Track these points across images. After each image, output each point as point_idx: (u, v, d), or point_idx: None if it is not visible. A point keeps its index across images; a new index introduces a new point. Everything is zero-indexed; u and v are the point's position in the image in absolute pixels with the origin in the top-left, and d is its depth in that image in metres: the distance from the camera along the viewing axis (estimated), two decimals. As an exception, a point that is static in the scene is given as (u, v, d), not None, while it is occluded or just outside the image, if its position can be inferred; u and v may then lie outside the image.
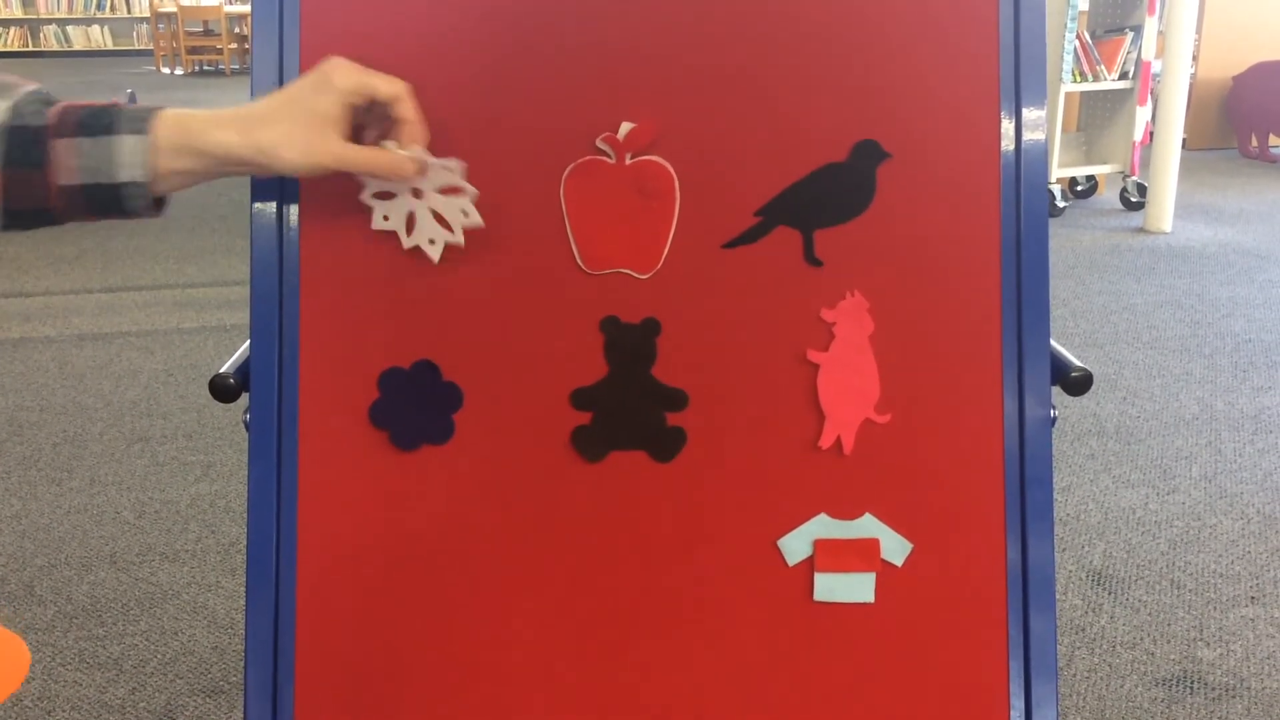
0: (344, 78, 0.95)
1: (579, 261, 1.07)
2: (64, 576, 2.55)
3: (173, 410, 3.48)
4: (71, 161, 0.91)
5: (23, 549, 2.67)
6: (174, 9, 13.08)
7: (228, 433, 3.29)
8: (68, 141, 0.91)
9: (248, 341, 1.10)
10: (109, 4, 14.86)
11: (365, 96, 0.96)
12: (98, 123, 0.92)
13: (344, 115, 0.96)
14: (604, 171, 1.07)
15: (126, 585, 2.51)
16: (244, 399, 1.10)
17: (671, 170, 1.07)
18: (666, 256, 1.08)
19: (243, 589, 1.08)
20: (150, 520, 2.80)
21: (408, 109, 0.98)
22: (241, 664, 1.14)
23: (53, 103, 0.93)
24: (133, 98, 6.37)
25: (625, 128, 1.06)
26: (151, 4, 13.57)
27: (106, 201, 0.93)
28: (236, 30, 13.25)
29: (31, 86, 0.94)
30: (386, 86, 0.97)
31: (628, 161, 1.07)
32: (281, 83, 1.07)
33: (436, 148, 1.03)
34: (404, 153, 0.99)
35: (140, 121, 0.92)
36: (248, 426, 1.09)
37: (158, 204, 0.97)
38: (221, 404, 1.11)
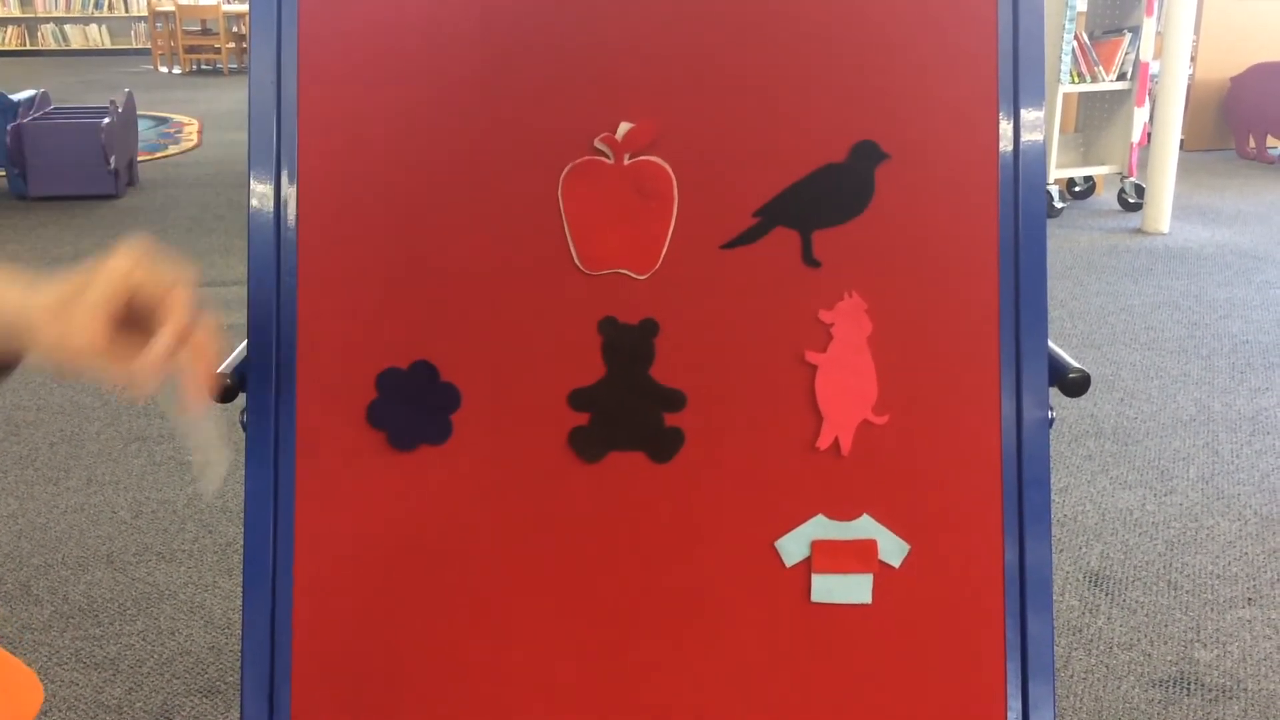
0: (115, 273, 0.84)
1: (577, 262, 1.07)
2: (60, 576, 2.55)
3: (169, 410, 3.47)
4: None
5: (19, 548, 2.67)
6: (172, 8, 13.05)
7: (226, 433, 3.28)
8: None
9: (244, 342, 1.10)
10: (107, 3, 14.85)
11: (132, 291, 0.85)
12: None
13: (111, 310, 0.84)
14: (602, 172, 1.06)
15: (123, 585, 2.51)
16: (241, 399, 1.10)
17: (670, 171, 1.07)
18: (665, 257, 1.08)
19: (240, 589, 1.08)
20: (147, 520, 2.80)
21: (176, 306, 0.86)
22: (238, 664, 1.14)
23: None
24: (130, 98, 6.35)
25: (624, 128, 1.06)
26: (149, 3, 13.56)
27: None
28: (235, 29, 13.23)
29: None
30: (156, 282, 0.86)
31: (626, 162, 1.06)
32: (280, 83, 1.07)
33: (433, 145, 1.03)
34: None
35: None
36: (245, 426, 1.09)
37: None
38: (219, 404, 1.11)
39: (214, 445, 0.92)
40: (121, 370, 0.85)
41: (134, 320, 0.87)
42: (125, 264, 0.85)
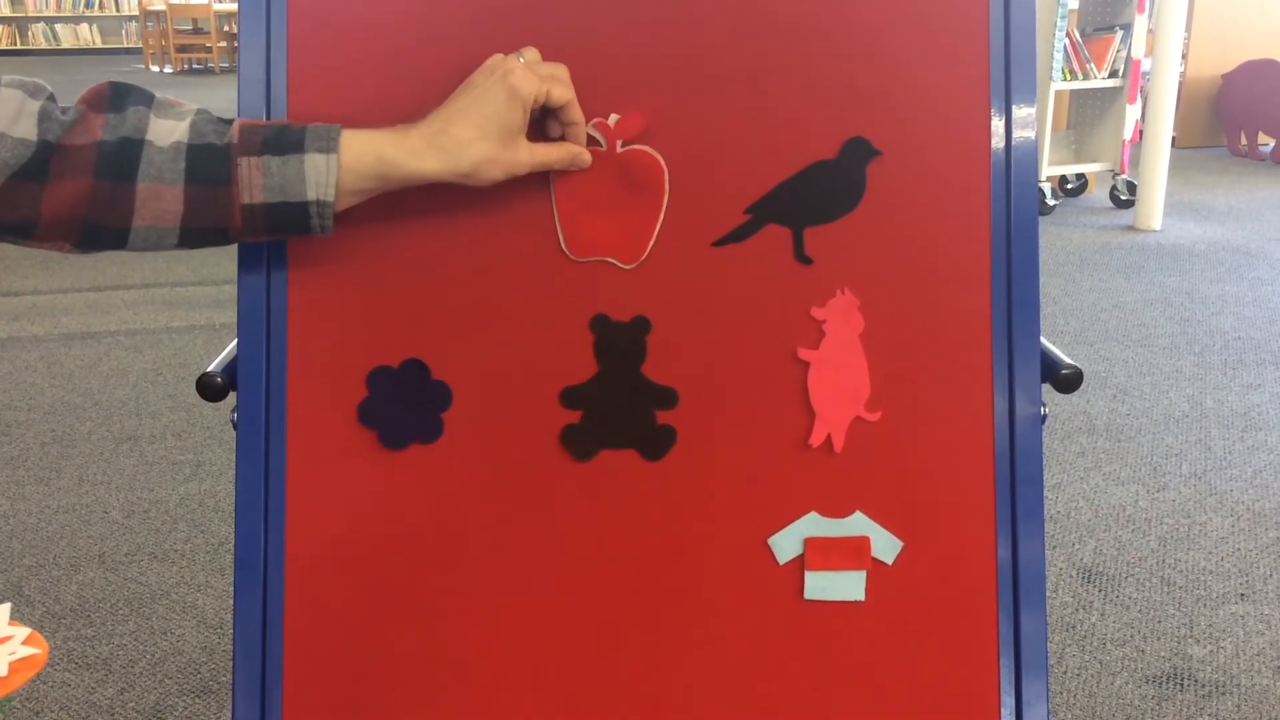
0: (530, 88, 0.98)
1: (563, 247, 1.07)
2: (52, 576, 2.54)
3: (161, 409, 3.47)
4: (257, 180, 0.92)
5: (10, 549, 2.66)
6: (163, 7, 13.03)
7: (217, 432, 3.28)
8: (254, 159, 0.92)
9: (235, 340, 1.09)
10: (98, 2, 14.82)
11: (543, 103, 1.00)
12: (285, 140, 0.93)
13: (527, 121, 1.00)
14: (594, 158, 1.06)
15: (115, 585, 2.50)
16: (232, 398, 1.10)
17: (662, 161, 1.07)
18: (657, 254, 1.08)
19: (231, 588, 1.08)
20: (139, 520, 2.79)
21: (579, 112, 1.03)
22: (230, 664, 1.14)
23: (229, 121, 0.95)
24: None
25: (616, 118, 1.06)
26: (140, 2, 13.53)
27: (290, 220, 0.94)
28: (225, 28, 13.21)
29: (195, 106, 0.96)
30: (562, 92, 1.01)
31: (619, 149, 1.06)
32: (269, 83, 1.07)
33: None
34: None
35: (327, 140, 0.93)
36: (235, 425, 1.08)
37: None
38: (210, 403, 1.10)
39: None
40: (562, 156, 1.03)
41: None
42: (532, 84, 0.98)
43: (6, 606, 1.08)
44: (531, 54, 1.02)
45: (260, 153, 0.92)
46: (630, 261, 1.07)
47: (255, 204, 0.93)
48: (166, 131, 0.93)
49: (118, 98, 0.95)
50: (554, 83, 1.00)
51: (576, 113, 1.03)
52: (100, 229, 0.92)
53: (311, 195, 0.93)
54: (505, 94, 0.97)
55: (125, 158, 0.91)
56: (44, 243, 0.93)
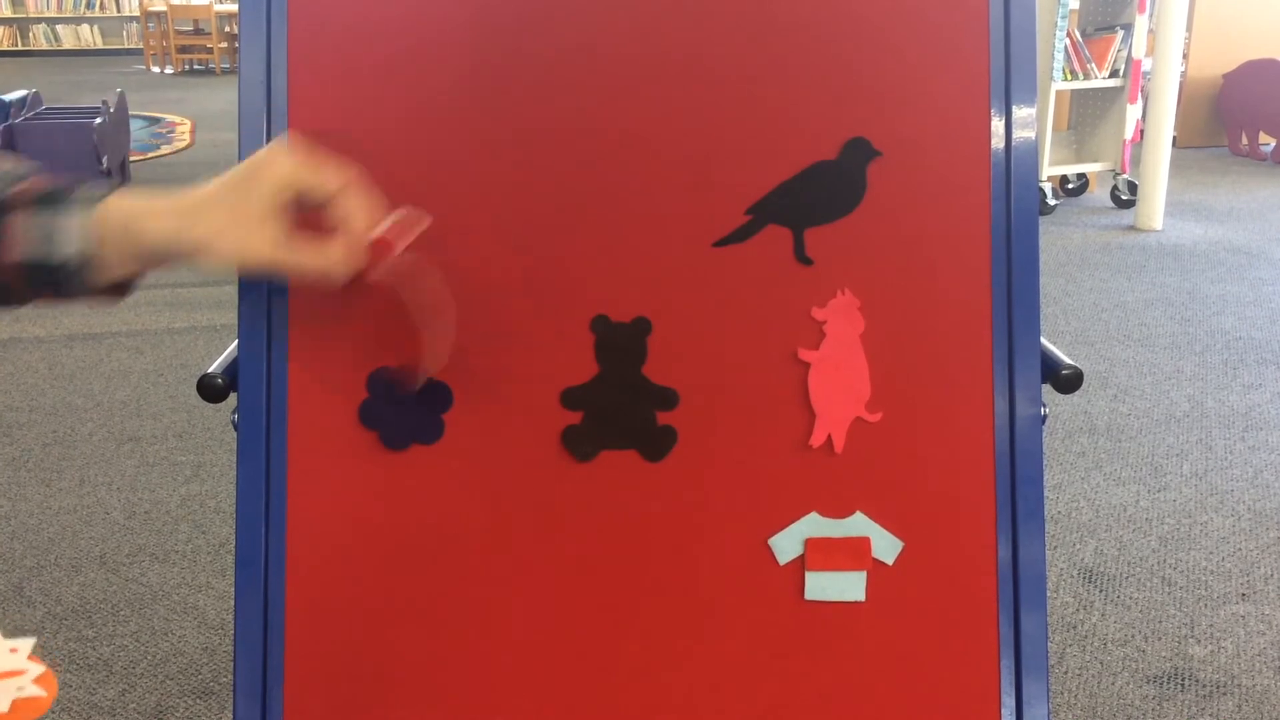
0: (275, 171, 0.88)
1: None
2: (53, 577, 2.54)
3: (163, 410, 3.47)
4: (18, 236, 0.86)
5: (12, 550, 2.66)
6: (164, 8, 13.03)
7: (218, 433, 3.28)
8: (21, 216, 0.86)
9: (236, 341, 1.09)
10: (98, 3, 14.82)
11: (300, 192, 0.89)
12: (50, 199, 0.87)
13: (279, 209, 0.89)
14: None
15: (116, 586, 2.50)
16: (233, 399, 1.10)
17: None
18: (658, 254, 1.08)
19: (233, 589, 1.08)
20: (140, 521, 2.79)
21: (352, 204, 0.91)
22: (231, 664, 1.14)
23: (24, 178, 0.88)
24: (122, 98, 6.33)
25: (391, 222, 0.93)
26: (141, 3, 13.53)
27: (47, 280, 0.88)
28: (227, 29, 13.21)
29: (10, 165, 0.90)
30: (325, 183, 0.89)
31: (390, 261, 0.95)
32: (269, 84, 1.07)
33: (423, 144, 1.03)
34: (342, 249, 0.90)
35: (90, 202, 0.87)
36: (236, 426, 1.08)
37: (117, 289, 0.91)
38: (211, 404, 1.10)
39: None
40: (314, 264, 0.89)
41: (304, 213, 0.90)
42: (286, 164, 0.88)
43: (31, 641, 1.06)
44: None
45: (29, 210, 0.87)
46: (411, 385, 1.02)
47: (15, 262, 0.87)
48: None
49: None
50: (311, 171, 0.89)
51: (351, 204, 0.90)
52: None
53: (60, 256, 0.87)
54: (249, 167, 0.89)
55: None
56: None
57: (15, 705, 0.97)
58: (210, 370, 1.09)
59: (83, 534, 2.73)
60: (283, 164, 0.89)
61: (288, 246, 0.89)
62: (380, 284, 0.91)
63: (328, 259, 0.90)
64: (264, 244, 0.88)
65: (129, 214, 0.88)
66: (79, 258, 0.87)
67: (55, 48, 14.82)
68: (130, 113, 6.77)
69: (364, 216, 0.91)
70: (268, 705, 1.09)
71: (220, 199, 0.88)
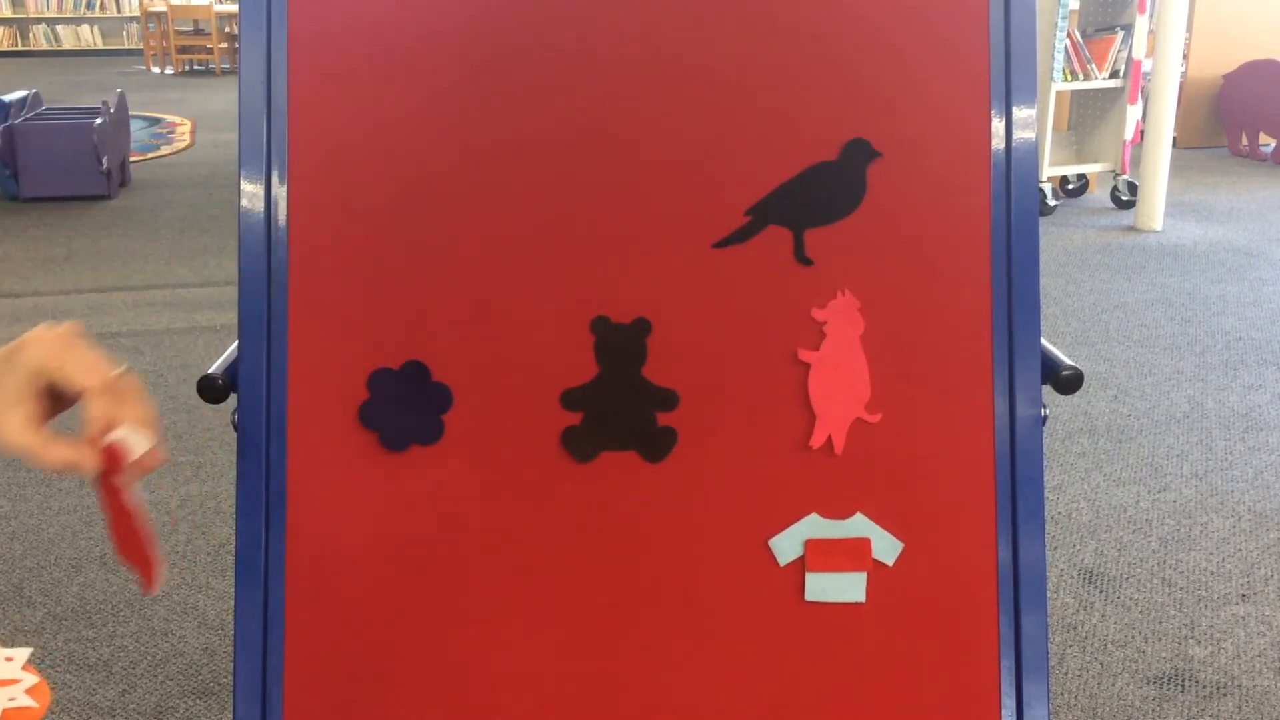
0: (32, 356, 0.84)
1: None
2: (53, 578, 2.54)
3: (163, 410, 3.46)
4: None
5: (12, 550, 2.66)
6: (164, 8, 13.03)
7: (218, 433, 3.27)
8: None
9: (236, 342, 1.09)
10: (99, 3, 14.81)
11: (52, 383, 0.84)
12: None
13: (32, 396, 0.84)
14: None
15: (116, 586, 2.50)
16: (233, 399, 1.10)
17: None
18: (658, 255, 1.08)
19: (232, 590, 1.08)
20: (140, 521, 2.79)
21: (96, 406, 0.85)
22: (231, 665, 1.14)
23: None
24: (122, 98, 6.33)
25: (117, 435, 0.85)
26: (141, 3, 13.53)
27: None
28: (227, 30, 13.20)
29: None
30: (76, 378, 0.84)
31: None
32: (269, 84, 1.07)
33: (423, 145, 1.03)
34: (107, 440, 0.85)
35: None
36: (236, 427, 1.08)
37: None
38: (211, 405, 1.10)
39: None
40: (55, 456, 0.84)
41: (59, 401, 0.86)
42: (39, 351, 0.84)
43: (27, 651, 1.06)
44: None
45: None
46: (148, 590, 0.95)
47: None
48: None
49: None
50: (72, 367, 0.84)
51: (96, 406, 0.85)
52: None
53: None
54: (8, 351, 0.85)
55: None
56: None
57: (5, 715, 0.98)
58: (210, 371, 1.09)
59: (83, 534, 2.72)
60: (40, 350, 0.84)
61: (34, 434, 0.83)
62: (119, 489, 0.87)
63: (74, 454, 0.85)
64: (11, 427, 0.83)
65: None
66: None
67: (55, 48, 14.81)
68: (130, 113, 6.77)
69: (102, 421, 0.85)
70: (267, 705, 1.09)
71: None
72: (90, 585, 2.50)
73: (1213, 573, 2.53)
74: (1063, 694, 2.12)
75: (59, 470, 0.85)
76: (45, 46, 14.83)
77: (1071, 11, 5.70)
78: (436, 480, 1.09)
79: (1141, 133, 5.61)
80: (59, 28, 14.88)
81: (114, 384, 0.85)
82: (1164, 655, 2.24)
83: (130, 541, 0.90)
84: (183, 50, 13.42)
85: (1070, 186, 6.21)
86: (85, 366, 0.85)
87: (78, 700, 2.12)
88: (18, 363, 0.84)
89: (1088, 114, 5.98)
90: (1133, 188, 5.77)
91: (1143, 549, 2.63)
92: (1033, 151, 1.10)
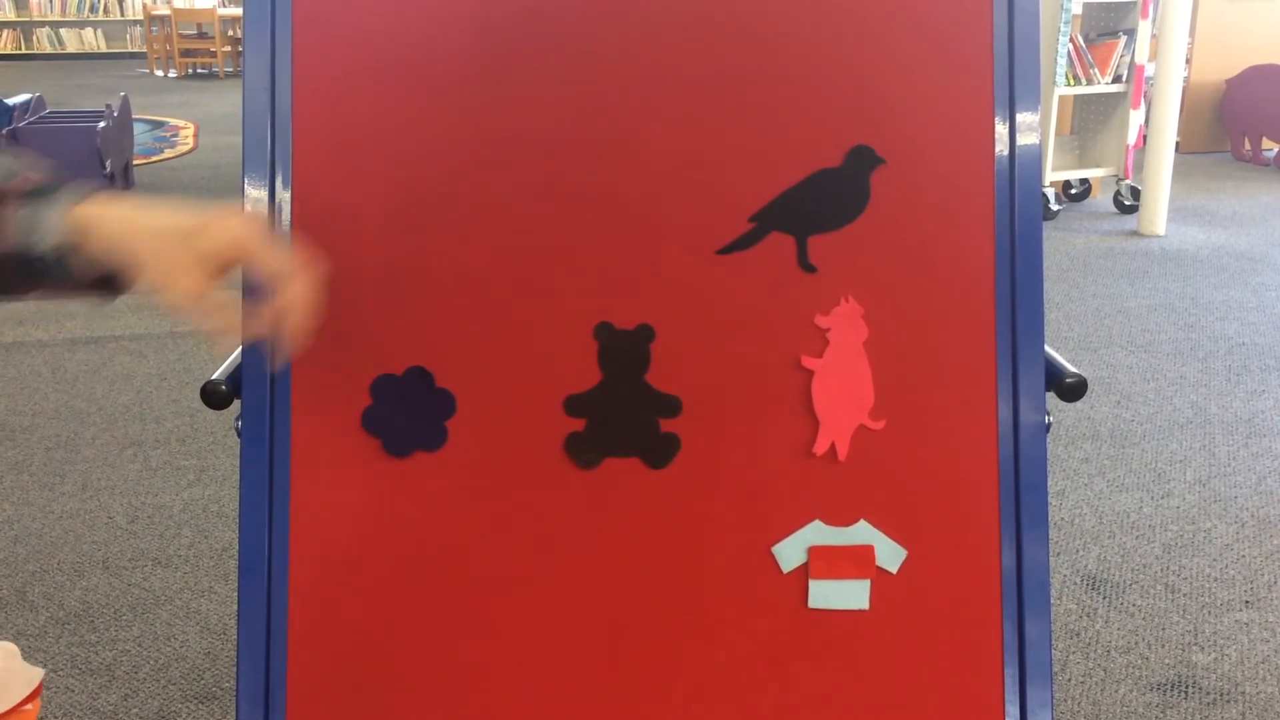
0: (214, 240, 0.90)
1: None
2: (56, 582, 2.54)
3: (166, 415, 3.47)
4: (7, 227, 0.90)
5: (14, 554, 2.66)
6: (167, 11, 13.05)
7: (221, 437, 3.28)
8: (11, 208, 0.90)
9: (240, 348, 1.09)
10: (102, 6, 14.83)
11: (240, 258, 0.91)
12: (40, 193, 0.91)
13: (206, 269, 0.90)
14: None
15: (119, 590, 2.50)
16: (236, 405, 1.10)
17: None
18: (661, 261, 1.08)
19: (235, 594, 1.08)
20: (143, 525, 2.79)
21: (292, 290, 0.92)
22: (234, 669, 1.14)
23: (18, 174, 0.91)
24: (125, 101, 6.34)
25: None
26: (145, 6, 13.55)
27: (30, 271, 0.91)
28: (230, 33, 13.22)
29: (10, 160, 0.93)
30: (267, 260, 0.91)
31: None
32: (273, 88, 1.07)
33: (427, 150, 1.03)
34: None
35: (73, 198, 0.90)
36: (239, 433, 1.08)
37: (107, 287, 0.93)
38: (212, 410, 1.10)
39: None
40: (213, 323, 0.91)
41: (229, 275, 0.93)
42: (239, 229, 0.91)
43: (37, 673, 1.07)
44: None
45: (18, 203, 0.90)
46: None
47: (3, 253, 0.90)
48: None
49: None
50: (263, 250, 0.91)
51: (288, 294, 0.92)
52: None
53: (40, 248, 0.90)
54: (207, 219, 0.90)
55: None
56: None
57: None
58: (214, 376, 1.09)
59: (85, 538, 2.72)
60: (226, 236, 0.90)
61: (203, 300, 0.90)
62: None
63: (233, 324, 0.91)
64: (183, 292, 0.90)
65: (97, 215, 0.91)
66: (57, 250, 0.90)
67: (59, 51, 14.83)
68: (133, 116, 6.78)
69: (276, 303, 0.92)
70: (270, 710, 1.09)
71: (170, 230, 0.91)
72: (93, 589, 2.50)
73: (1216, 579, 2.53)
74: (1065, 700, 2.12)
75: (216, 332, 0.92)
76: (49, 49, 14.85)
77: (1074, 16, 5.70)
78: (439, 486, 1.09)
79: (1144, 137, 5.60)
80: (62, 31, 14.91)
81: (286, 272, 0.92)
82: (1167, 662, 2.23)
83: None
84: (186, 53, 13.44)
85: (1073, 191, 6.21)
86: (266, 255, 0.92)
87: (80, 705, 2.12)
88: (200, 241, 0.90)
89: (1090, 119, 5.98)
90: (1135, 193, 5.76)
91: (1146, 555, 2.63)
92: (1036, 157, 1.09)
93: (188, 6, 13.18)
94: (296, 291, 0.92)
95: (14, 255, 0.90)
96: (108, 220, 0.91)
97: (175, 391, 3.65)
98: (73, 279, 0.92)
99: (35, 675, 1.04)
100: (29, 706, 1.02)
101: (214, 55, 13.25)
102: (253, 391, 1.08)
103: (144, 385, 3.71)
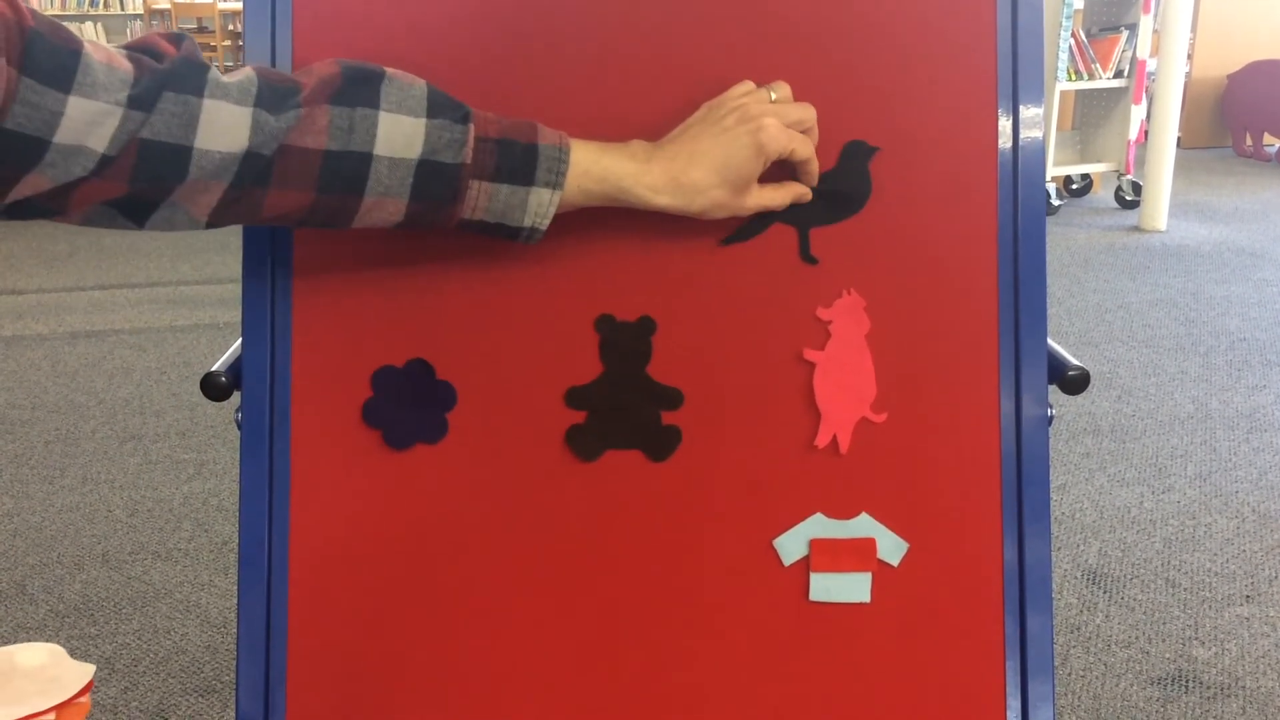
0: (778, 147, 0.99)
1: None
2: (56, 575, 2.54)
3: (165, 408, 3.47)
4: (483, 203, 0.94)
5: (14, 547, 2.66)
6: (168, 6, 13.04)
7: (221, 431, 3.28)
8: (485, 185, 0.94)
9: (240, 339, 1.09)
10: (102, 1, 14.83)
11: (784, 155, 1.02)
12: (516, 168, 0.94)
13: (760, 169, 1.01)
14: None
15: (119, 584, 2.50)
16: (236, 397, 1.10)
17: None
18: (663, 253, 1.08)
19: (235, 587, 1.08)
20: (143, 518, 2.79)
21: (814, 160, 1.04)
22: (234, 663, 1.14)
23: (463, 119, 0.93)
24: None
25: None
26: (145, 1, 13.54)
27: (500, 235, 0.98)
28: (230, 28, 13.21)
29: (424, 89, 0.94)
30: (805, 150, 1.02)
31: None
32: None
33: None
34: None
35: (555, 174, 0.95)
36: (239, 425, 1.08)
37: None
38: (214, 402, 1.10)
39: None
40: (792, 196, 1.05)
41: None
42: (783, 140, 1.00)
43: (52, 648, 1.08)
44: (783, 91, 1.03)
45: (493, 179, 0.94)
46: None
47: (473, 220, 0.95)
48: (398, 142, 0.91)
49: (348, 88, 0.90)
50: (798, 141, 1.01)
51: (813, 162, 1.04)
52: (319, 227, 0.95)
53: (527, 222, 0.96)
54: (753, 149, 0.98)
55: (352, 173, 0.90)
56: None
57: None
58: (214, 369, 1.09)
59: (85, 531, 2.73)
60: (778, 141, 0.99)
61: (767, 195, 1.04)
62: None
63: (795, 192, 1.05)
64: (751, 201, 1.03)
65: (618, 182, 0.98)
66: (543, 223, 0.97)
67: (59, 45, 14.81)
68: (134, 110, 6.76)
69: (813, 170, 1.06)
70: (270, 703, 1.08)
71: (718, 174, 0.99)
72: (92, 583, 2.50)
73: (1216, 574, 2.53)
74: (1067, 695, 2.12)
75: (783, 207, 1.06)
76: (49, 44, 14.81)
77: (1076, 11, 5.70)
78: (440, 479, 1.08)
79: (1145, 133, 5.60)
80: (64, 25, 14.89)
81: (810, 154, 1.04)
82: (1168, 656, 2.23)
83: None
84: (186, 48, 13.40)
85: (1074, 186, 6.21)
86: (804, 142, 1.02)
87: (80, 698, 2.12)
88: (766, 155, 1.00)
89: (1092, 114, 5.98)
90: (1137, 188, 5.76)
91: (1147, 550, 2.63)
92: (1039, 151, 1.09)
93: (188, 1, 13.18)
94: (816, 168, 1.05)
95: (486, 225, 0.96)
96: (644, 192, 0.98)
97: (175, 385, 3.65)
98: (534, 241, 0.99)
99: (87, 671, 1.05)
100: (84, 699, 1.03)
101: (214, 50, 13.24)
102: (252, 383, 1.07)
103: (144, 379, 3.71)
